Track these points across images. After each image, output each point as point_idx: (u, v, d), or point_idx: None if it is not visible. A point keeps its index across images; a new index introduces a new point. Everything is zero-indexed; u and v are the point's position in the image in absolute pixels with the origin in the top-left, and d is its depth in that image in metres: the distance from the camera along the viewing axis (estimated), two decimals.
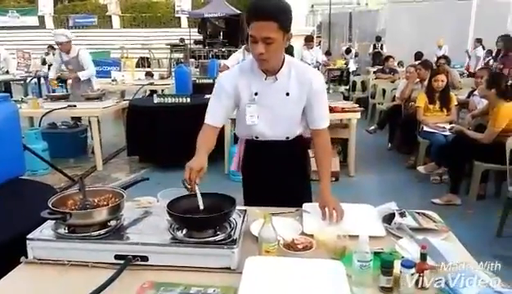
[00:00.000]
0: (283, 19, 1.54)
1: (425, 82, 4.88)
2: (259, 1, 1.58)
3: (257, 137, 1.81)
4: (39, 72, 10.27)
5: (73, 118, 5.52)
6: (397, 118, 5.47)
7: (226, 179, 4.44)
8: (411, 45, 10.67)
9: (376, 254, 1.24)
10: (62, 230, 1.39)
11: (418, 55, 8.81)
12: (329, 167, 1.82)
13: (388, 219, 1.58)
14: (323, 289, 1.13)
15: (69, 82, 5.71)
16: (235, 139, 4.44)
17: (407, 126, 4.88)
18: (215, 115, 1.76)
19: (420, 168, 4.11)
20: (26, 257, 1.35)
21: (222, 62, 6.15)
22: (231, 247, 1.28)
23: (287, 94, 1.70)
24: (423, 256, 1.18)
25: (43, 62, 12.73)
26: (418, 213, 1.62)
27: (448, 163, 3.82)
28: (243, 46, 5.57)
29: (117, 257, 1.31)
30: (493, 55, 7.58)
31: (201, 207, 1.42)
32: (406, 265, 1.14)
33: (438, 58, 7.41)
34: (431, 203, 3.62)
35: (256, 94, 1.72)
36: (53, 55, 5.42)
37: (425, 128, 4.36)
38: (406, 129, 4.97)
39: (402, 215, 1.57)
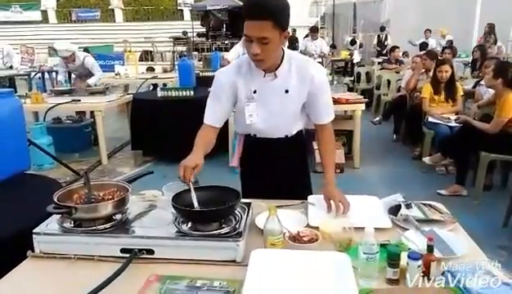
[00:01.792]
0: (279, 17, 1.47)
1: (431, 73, 4.83)
2: None
3: (255, 135, 1.78)
4: (43, 67, 10.28)
5: (77, 112, 5.58)
6: (402, 109, 5.44)
7: (230, 172, 4.40)
8: (416, 35, 10.56)
9: (382, 246, 1.23)
10: (68, 224, 1.40)
11: (423, 46, 8.72)
12: (333, 159, 1.80)
13: (394, 210, 1.57)
14: (329, 281, 1.13)
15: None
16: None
17: (413, 117, 4.84)
18: (214, 115, 1.72)
19: (426, 159, 4.08)
20: (33, 251, 1.36)
21: (224, 55, 6.11)
22: (236, 239, 1.28)
23: (286, 91, 1.66)
24: (430, 248, 1.17)
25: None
26: (424, 204, 1.61)
27: (454, 154, 3.79)
28: (242, 39, 5.52)
29: (123, 251, 1.31)
30: (469, 63, 7.22)
31: (195, 205, 1.40)
32: (413, 256, 1.13)
33: (444, 48, 7.33)
34: (437, 194, 3.61)
35: (255, 92, 1.67)
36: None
37: (430, 119, 4.33)
38: (411, 120, 4.94)
39: (408, 206, 1.56)
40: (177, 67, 6.72)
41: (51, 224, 1.40)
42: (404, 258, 1.16)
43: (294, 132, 1.79)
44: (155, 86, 9.45)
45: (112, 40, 18.01)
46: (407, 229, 1.45)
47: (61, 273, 1.28)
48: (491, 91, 3.94)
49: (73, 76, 6.33)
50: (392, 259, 1.16)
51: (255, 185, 1.85)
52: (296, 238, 1.37)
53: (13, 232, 1.60)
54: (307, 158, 1.92)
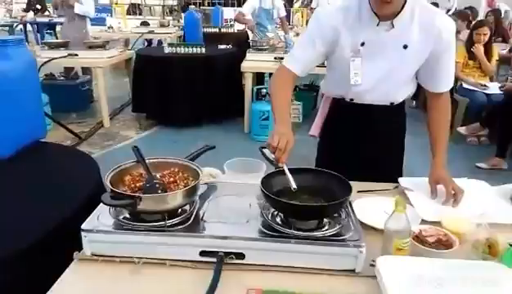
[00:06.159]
0: None
1: (460, 35, 4.49)
2: None
3: (352, 99, 1.45)
4: (25, 17, 9.49)
5: (65, 68, 5.05)
6: None
7: (247, 139, 4.10)
8: None
9: None
10: (121, 217, 1.07)
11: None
12: (447, 136, 1.49)
13: None
14: None
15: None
16: (258, 95, 4.07)
17: None
18: (301, 61, 1.40)
19: (461, 129, 3.82)
20: (79, 251, 1.04)
21: (239, 10, 5.61)
22: (358, 244, 0.98)
23: (405, 46, 1.32)
24: None
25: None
26: None
27: (496, 124, 3.54)
28: None
29: (202, 254, 1.01)
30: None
31: (294, 186, 1.10)
32: None
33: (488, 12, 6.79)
34: (475, 167, 3.38)
35: (363, 44, 1.33)
36: None
37: (464, 85, 4.03)
38: None
39: None
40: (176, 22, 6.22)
41: (103, 216, 1.07)
42: None
43: (401, 100, 1.47)
44: (150, 42, 8.88)
45: None
46: None
47: (122, 282, 0.98)
48: None
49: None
50: None
51: (337, 160, 1.50)
52: (420, 239, 1.08)
53: (49, 226, 1.20)
54: (405, 131, 1.61)
